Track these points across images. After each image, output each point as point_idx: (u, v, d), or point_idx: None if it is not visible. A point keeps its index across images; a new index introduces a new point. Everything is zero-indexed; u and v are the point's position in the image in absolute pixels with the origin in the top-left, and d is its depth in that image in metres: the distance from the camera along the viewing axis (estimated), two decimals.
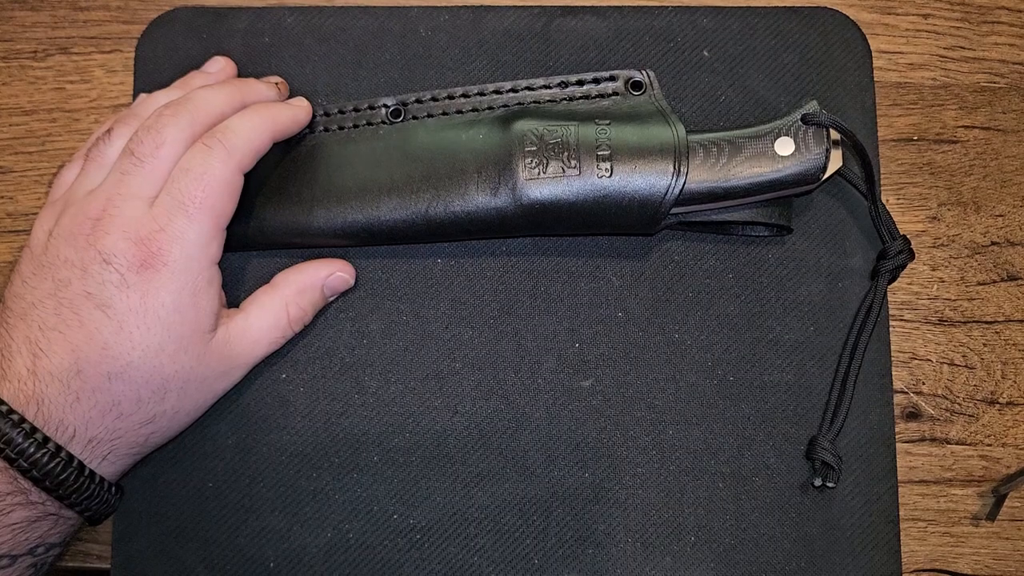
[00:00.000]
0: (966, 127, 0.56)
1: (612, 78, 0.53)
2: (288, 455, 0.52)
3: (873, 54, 0.55)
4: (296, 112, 0.52)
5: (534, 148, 0.49)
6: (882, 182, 0.54)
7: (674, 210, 0.50)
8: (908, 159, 0.56)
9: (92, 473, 0.45)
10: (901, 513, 0.52)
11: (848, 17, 0.56)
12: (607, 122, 0.50)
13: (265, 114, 0.50)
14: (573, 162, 0.49)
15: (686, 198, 0.49)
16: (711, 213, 0.51)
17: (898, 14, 0.57)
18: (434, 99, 0.53)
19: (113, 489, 0.47)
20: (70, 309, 0.45)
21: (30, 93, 0.57)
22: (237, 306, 0.51)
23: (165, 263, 0.45)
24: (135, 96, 0.55)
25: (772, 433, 0.52)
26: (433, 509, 0.51)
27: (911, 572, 0.52)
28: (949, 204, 0.55)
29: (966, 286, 0.54)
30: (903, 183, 0.55)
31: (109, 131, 0.50)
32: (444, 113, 0.53)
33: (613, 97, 0.52)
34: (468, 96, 0.53)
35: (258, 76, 0.55)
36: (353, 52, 0.56)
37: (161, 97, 0.52)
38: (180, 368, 0.47)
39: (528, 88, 0.53)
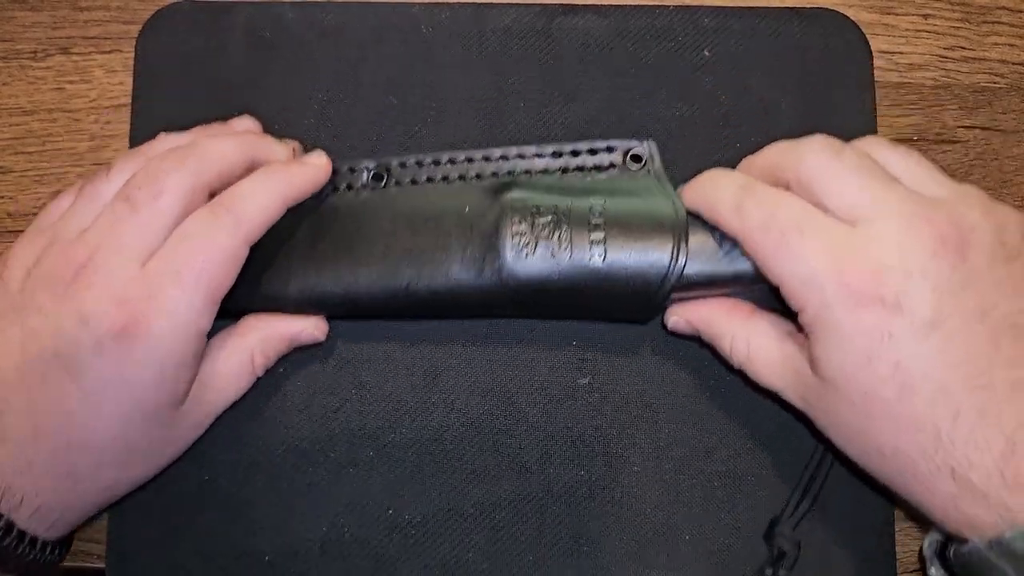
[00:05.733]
0: (966, 127, 0.58)
1: (610, 149, 0.53)
2: (284, 450, 0.53)
3: (873, 54, 0.58)
4: (314, 173, 0.51)
5: (523, 226, 0.48)
6: None
7: (674, 295, 0.49)
8: None
9: (34, 540, 0.44)
10: (897, 512, 0.53)
11: (849, 18, 0.58)
12: (602, 200, 0.49)
13: (280, 178, 0.49)
14: (564, 243, 0.47)
15: (685, 285, 0.48)
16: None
17: (898, 14, 0.59)
18: (419, 163, 0.53)
19: (58, 550, 0.46)
20: (35, 365, 0.43)
21: (30, 93, 0.58)
22: None
23: (148, 333, 0.43)
24: (135, 93, 0.57)
25: (769, 432, 0.54)
26: (428, 505, 0.53)
27: (907, 573, 0.54)
28: None
29: None
30: None
31: (109, 167, 0.49)
32: (429, 179, 0.53)
33: (610, 170, 0.53)
34: (455, 162, 0.53)
35: (259, 74, 0.57)
36: (354, 48, 0.58)
37: (174, 139, 0.51)
38: (146, 435, 0.46)
39: (520, 156, 0.53)
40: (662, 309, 0.51)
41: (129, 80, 0.58)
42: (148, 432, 0.46)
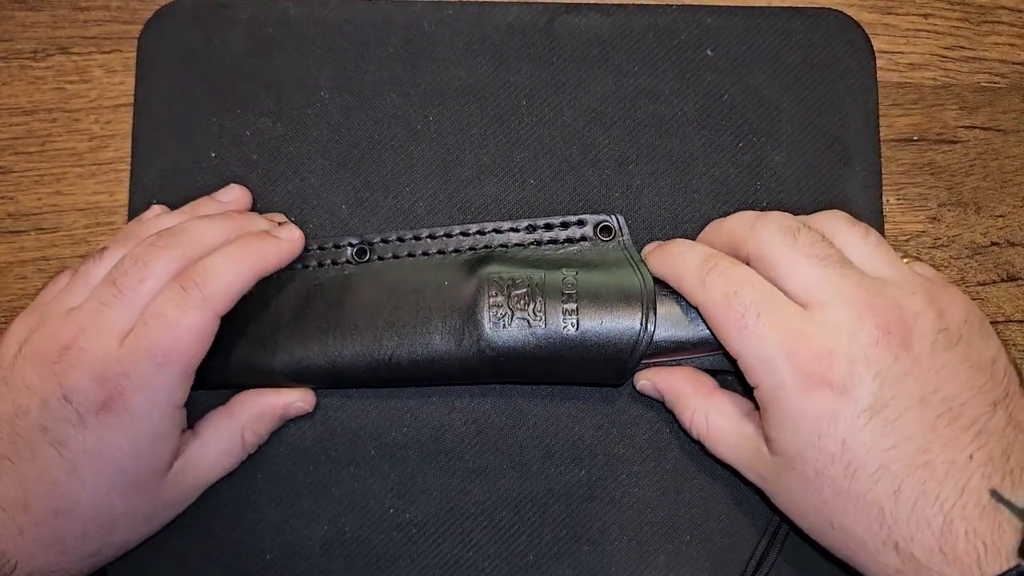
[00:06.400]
0: (967, 127, 0.59)
1: (581, 223, 0.55)
2: (286, 448, 0.54)
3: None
4: (287, 247, 0.53)
5: (500, 299, 0.51)
6: (883, 182, 0.58)
7: (644, 360, 0.52)
8: (908, 159, 0.59)
9: None
10: None
11: (851, 18, 0.59)
12: (574, 272, 0.52)
13: (251, 252, 0.51)
14: (539, 314, 0.50)
15: (654, 351, 0.51)
16: (684, 362, 0.53)
17: (898, 14, 0.60)
18: (400, 239, 0.56)
19: None
20: (24, 439, 0.46)
21: (30, 93, 0.59)
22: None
23: (126, 408, 0.46)
24: (137, 91, 0.58)
25: None
26: (429, 504, 0.54)
27: None
28: (949, 204, 0.58)
29: (966, 286, 0.58)
30: (903, 183, 0.59)
31: (103, 250, 0.51)
32: (410, 254, 0.55)
33: (581, 243, 0.55)
34: (435, 237, 0.55)
35: (261, 71, 0.58)
36: (357, 45, 0.59)
37: (166, 220, 0.53)
38: (131, 506, 0.48)
39: (496, 231, 0.56)
40: (633, 373, 0.53)
41: (129, 80, 0.59)
42: (131, 501, 0.48)
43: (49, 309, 0.49)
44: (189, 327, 0.47)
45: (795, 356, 0.44)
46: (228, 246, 0.51)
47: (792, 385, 0.44)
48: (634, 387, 0.54)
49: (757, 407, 0.47)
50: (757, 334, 0.45)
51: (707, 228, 0.54)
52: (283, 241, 0.53)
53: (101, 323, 0.47)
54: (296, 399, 0.54)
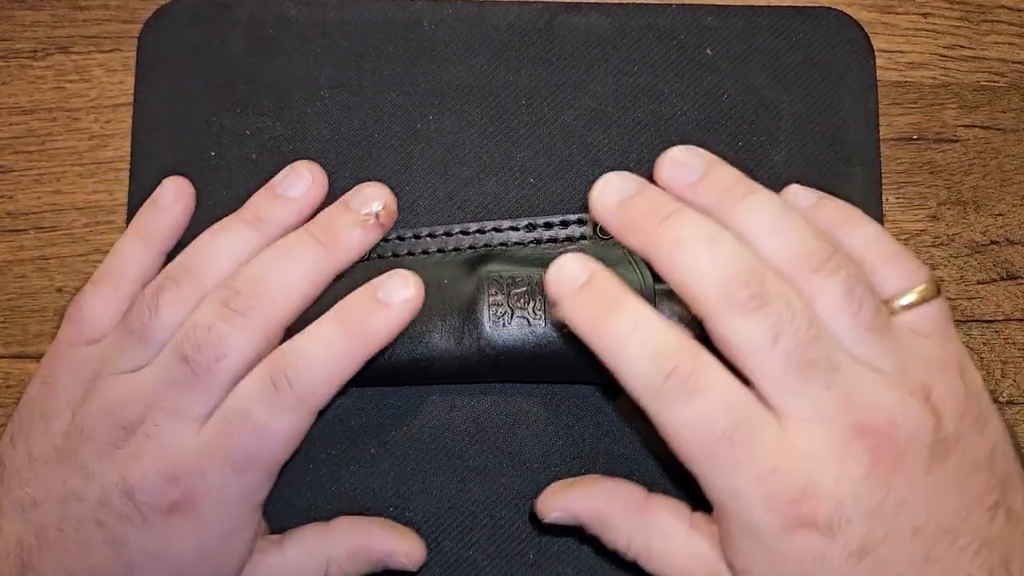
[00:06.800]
0: (966, 126, 0.59)
1: (581, 221, 0.55)
2: None
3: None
4: (401, 315, 0.43)
5: (500, 297, 0.51)
6: (882, 181, 0.58)
7: None
8: (908, 158, 0.59)
9: None
10: None
11: (852, 18, 0.59)
12: None
13: (354, 335, 0.42)
14: (539, 313, 0.50)
15: None
16: None
17: (898, 13, 0.60)
18: (399, 238, 0.55)
19: None
20: (75, 529, 0.41)
21: (30, 92, 0.59)
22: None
23: (196, 510, 0.41)
24: (137, 90, 0.58)
25: None
26: (429, 503, 0.54)
27: None
28: (949, 203, 0.59)
29: (966, 285, 0.58)
30: (903, 182, 0.59)
31: (157, 294, 0.44)
32: (410, 253, 0.55)
33: (581, 242, 0.55)
34: (434, 236, 0.55)
35: (261, 71, 0.58)
36: (357, 45, 0.59)
37: (223, 241, 0.45)
38: None
39: (496, 230, 0.55)
40: None
41: (129, 79, 0.59)
42: None
43: (107, 366, 0.43)
44: (280, 432, 0.41)
45: (774, 496, 0.39)
46: (326, 325, 0.43)
47: (770, 526, 0.39)
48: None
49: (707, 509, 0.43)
50: (728, 467, 0.40)
51: (674, 214, 0.43)
52: (395, 310, 0.43)
53: (173, 406, 0.41)
54: (401, 551, 0.48)
